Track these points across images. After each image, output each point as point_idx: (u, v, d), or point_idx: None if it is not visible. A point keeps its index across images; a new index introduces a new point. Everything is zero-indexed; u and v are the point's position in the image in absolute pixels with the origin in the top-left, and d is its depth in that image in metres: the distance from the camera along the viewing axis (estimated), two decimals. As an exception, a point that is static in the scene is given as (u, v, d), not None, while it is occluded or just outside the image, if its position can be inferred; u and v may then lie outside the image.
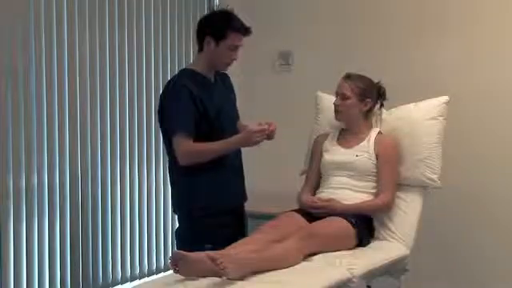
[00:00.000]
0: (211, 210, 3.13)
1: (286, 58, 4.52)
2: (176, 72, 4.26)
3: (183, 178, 3.17)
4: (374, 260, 2.99)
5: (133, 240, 4.08)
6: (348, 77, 3.31)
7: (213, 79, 3.22)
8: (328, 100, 3.49)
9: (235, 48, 3.11)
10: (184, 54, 4.34)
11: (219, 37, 3.07)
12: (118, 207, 3.96)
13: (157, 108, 3.20)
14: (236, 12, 3.19)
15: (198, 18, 3.28)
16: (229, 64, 3.16)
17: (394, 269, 3.15)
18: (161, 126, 3.20)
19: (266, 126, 3.05)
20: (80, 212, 3.74)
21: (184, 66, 4.30)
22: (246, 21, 3.19)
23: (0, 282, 3.36)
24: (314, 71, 4.32)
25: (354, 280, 2.78)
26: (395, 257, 3.11)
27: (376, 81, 3.34)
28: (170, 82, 3.24)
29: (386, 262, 3.04)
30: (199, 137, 3.07)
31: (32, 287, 3.52)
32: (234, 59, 3.15)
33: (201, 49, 3.15)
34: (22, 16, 3.44)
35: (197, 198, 3.14)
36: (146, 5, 4.08)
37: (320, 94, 3.64)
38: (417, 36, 4.01)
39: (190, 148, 3.05)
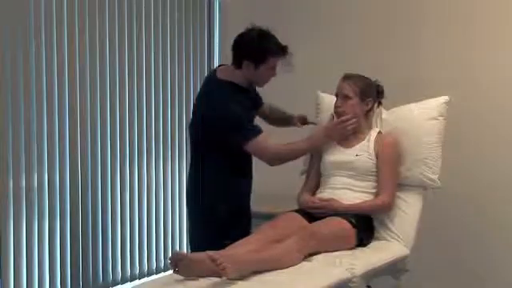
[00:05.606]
0: (243, 210, 3.26)
1: (285, 58, 4.50)
2: (175, 72, 4.30)
3: (226, 177, 3.19)
4: (374, 260, 2.98)
5: (133, 240, 4.08)
6: (347, 77, 3.30)
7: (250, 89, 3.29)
8: (328, 100, 3.49)
9: (274, 68, 3.15)
10: (184, 52, 4.34)
11: (259, 62, 3.09)
12: (118, 207, 3.97)
13: (188, 120, 3.28)
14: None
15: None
16: (267, 81, 3.21)
17: (394, 269, 3.15)
18: (204, 135, 3.15)
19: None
20: (80, 212, 3.74)
21: (183, 65, 4.33)
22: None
23: (0, 282, 3.36)
24: (314, 71, 4.31)
25: (354, 280, 2.78)
26: (395, 257, 3.11)
27: (373, 79, 3.33)
28: (214, 95, 3.14)
29: (386, 261, 3.04)
30: (230, 149, 3.10)
31: (32, 287, 3.52)
32: (273, 76, 3.18)
33: (238, 66, 3.12)
34: (21, 16, 3.44)
35: (232, 199, 3.21)
36: (145, 4, 4.08)
37: (320, 93, 3.64)
38: (417, 36, 4.00)
39: (277, 149, 3.14)
